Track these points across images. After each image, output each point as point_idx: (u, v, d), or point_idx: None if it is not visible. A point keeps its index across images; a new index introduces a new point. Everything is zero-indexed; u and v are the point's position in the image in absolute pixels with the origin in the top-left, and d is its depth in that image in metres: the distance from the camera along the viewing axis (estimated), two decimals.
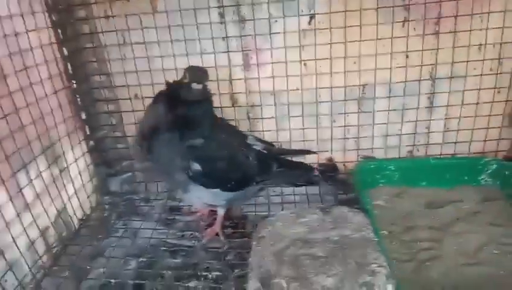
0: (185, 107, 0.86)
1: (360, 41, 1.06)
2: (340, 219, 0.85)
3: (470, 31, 1.04)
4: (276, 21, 1.06)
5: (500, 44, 1.06)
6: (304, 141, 1.17)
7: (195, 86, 0.84)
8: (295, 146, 1.17)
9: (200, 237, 1.01)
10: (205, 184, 0.90)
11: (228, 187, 0.92)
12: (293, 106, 1.14)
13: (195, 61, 1.07)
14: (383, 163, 1.10)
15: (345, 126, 1.16)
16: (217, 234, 1.00)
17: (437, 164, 1.10)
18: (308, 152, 1.12)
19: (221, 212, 1.01)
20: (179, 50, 1.09)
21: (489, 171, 1.06)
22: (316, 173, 1.17)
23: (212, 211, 1.07)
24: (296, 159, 1.06)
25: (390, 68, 1.08)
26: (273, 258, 0.77)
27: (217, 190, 0.91)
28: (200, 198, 0.96)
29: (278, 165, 1.00)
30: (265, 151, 0.99)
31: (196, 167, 0.87)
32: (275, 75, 1.11)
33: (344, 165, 1.20)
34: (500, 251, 0.86)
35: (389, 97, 1.12)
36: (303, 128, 1.16)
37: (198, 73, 0.86)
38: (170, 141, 0.87)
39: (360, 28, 1.04)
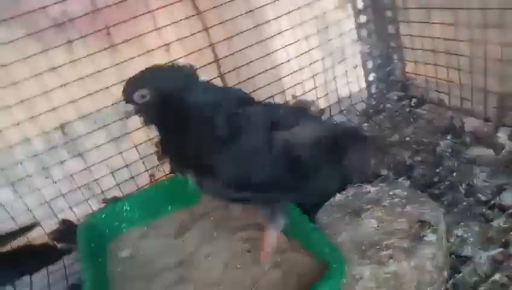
0: None
1: None
2: None
3: None
4: None
5: None
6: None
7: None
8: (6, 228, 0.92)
9: None
10: None
11: None
12: None
13: None
14: (115, 206, 0.93)
15: (65, 178, 0.96)
16: None
17: (174, 181, 0.97)
18: (27, 229, 0.90)
19: None
20: None
21: None
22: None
23: None
24: None
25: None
26: None
27: None
28: None
29: None
30: None
31: None
32: None
33: None
34: (241, 265, 0.78)
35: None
36: None
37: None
38: None
39: None
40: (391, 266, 0.61)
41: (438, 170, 0.96)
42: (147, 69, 0.69)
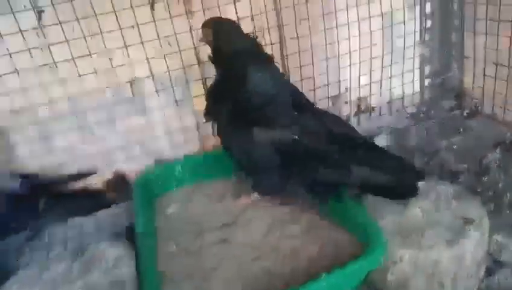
0: None
1: None
2: (94, 260, 0.71)
3: None
4: None
5: None
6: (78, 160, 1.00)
7: None
8: (69, 170, 1.00)
9: None
10: None
11: None
12: (54, 122, 0.96)
13: None
14: (168, 166, 0.99)
15: (126, 132, 1.02)
16: None
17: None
18: (86, 175, 0.98)
19: None
20: None
21: None
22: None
23: None
24: None
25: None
26: None
27: None
28: None
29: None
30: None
31: None
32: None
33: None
34: (281, 234, 0.82)
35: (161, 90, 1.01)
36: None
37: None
38: None
39: None
40: (432, 253, 0.64)
41: (483, 179, 0.97)
42: (227, 19, 0.83)
